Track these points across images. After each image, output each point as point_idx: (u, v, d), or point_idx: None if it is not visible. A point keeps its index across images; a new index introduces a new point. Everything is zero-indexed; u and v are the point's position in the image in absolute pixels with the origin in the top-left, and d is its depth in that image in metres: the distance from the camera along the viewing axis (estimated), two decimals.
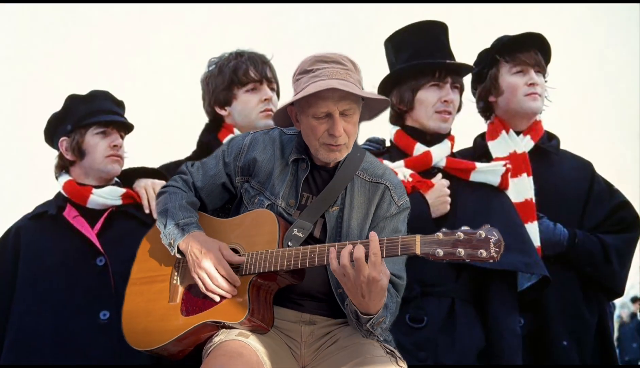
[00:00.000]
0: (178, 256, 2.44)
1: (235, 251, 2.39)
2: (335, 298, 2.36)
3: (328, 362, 2.32)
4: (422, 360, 2.87)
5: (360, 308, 2.18)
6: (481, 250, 1.99)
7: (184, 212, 2.46)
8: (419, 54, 3.17)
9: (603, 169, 3.41)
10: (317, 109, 2.29)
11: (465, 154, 3.38)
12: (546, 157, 3.36)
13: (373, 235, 2.09)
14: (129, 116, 3.41)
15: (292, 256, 2.25)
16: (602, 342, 3.23)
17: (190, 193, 2.55)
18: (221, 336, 2.32)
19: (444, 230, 2.07)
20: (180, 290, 2.45)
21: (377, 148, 3.34)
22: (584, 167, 3.40)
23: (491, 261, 2.00)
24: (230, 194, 2.60)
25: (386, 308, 2.24)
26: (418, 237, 2.07)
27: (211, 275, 2.31)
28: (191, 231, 2.40)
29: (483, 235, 2.01)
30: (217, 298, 2.33)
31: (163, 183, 3.26)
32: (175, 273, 2.49)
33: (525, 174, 3.26)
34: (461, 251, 2.01)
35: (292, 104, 2.40)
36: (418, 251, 2.06)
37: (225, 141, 3.17)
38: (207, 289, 2.33)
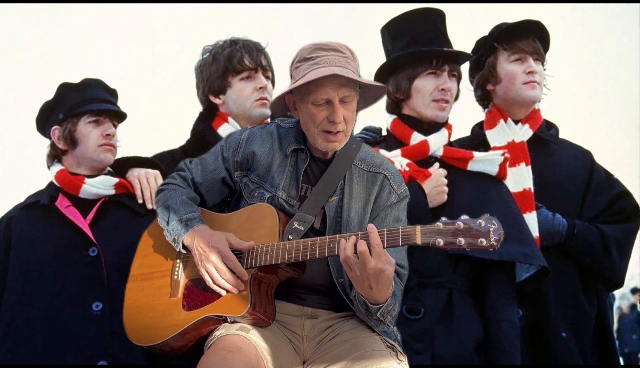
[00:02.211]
0: (183, 251, 2.43)
1: None
2: (337, 292, 2.36)
3: (329, 355, 2.32)
4: (420, 351, 2.86)
5: (369, 298, 2.19)
6: (481, 239, 2.04)
7: (186, 207, 2.46)
8: (416, 42, 3.14)
9: (602, 159, 3.40)
10: (317, 96, 2.31)
11: (462, 143, 3.36)
12: (545, 146, 3.34)
13: (371, 227, 2.11)
14: (122, 104, 3.38)
15: (293, 249, 2.26)
16: (601, 334, 3.22)
17: (190, 189, 2.56)
18: (222, 330, 2.32)
19: (443, 219, 2.09)
20: (182, 285, 2.45)
21: (373, 137, 3.32)
22: (583, 156, 3.37)
23: (491, 249, 2.04)
24: (230, 189, 2.59)
25: (394, 296, 2.25)
26: (418, 227, 2.11)
27: (219, 268, 2.32)
28: (195, 225, 2.40)
29: (483, 224, 2.05)
30: (224, 292, 2.33)
31: (157, 172, 3.25)
32: (176, 269, 2.49)
33: (523, 164, 3.24)
34: (461, 240, 2.05)
35: (290, 92, 2.40)
36: (419, 241, 2.09)
37: (222, 134, 3.16)
38: (214, 283, 2.33)
